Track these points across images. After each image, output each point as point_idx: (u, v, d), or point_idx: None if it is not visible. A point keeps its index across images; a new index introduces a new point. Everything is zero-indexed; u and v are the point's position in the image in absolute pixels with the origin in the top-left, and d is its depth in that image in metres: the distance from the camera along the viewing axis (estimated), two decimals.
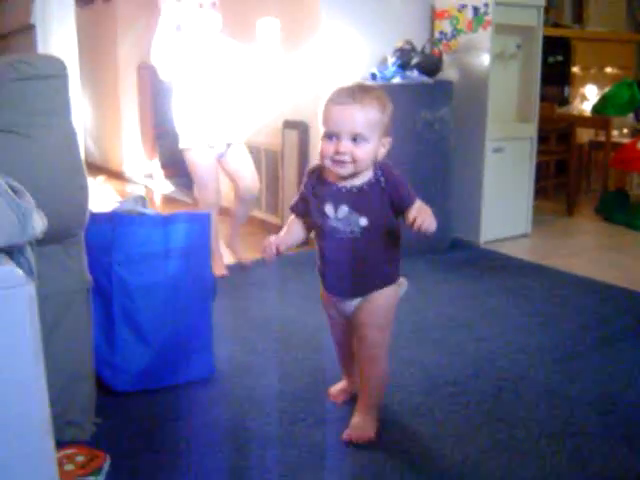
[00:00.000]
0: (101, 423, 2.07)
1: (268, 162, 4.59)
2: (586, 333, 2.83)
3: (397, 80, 3.86)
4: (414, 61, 3.91)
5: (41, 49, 3.28)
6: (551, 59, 6.12)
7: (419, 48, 4.02)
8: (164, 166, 6.62)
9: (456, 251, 4.13)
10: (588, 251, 4.23)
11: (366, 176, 1.90)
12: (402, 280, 2.02)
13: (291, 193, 4.09)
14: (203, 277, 2.33)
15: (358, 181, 1.90)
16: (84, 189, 1.86)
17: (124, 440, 2.02)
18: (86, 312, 1.98)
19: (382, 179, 1.90)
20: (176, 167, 6.51)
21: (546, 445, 1.99)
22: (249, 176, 3.61)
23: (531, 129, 4.41)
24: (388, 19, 4.18)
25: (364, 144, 1.83)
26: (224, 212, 3.78)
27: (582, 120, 5.60)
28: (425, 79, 3.88)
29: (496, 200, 4.28)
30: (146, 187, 6.40)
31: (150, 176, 6.61)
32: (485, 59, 4.07)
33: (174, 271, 2.23)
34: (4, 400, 1.10)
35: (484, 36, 4.04)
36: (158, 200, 5.95)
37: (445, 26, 4.27)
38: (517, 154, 4.37)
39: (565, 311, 3.10)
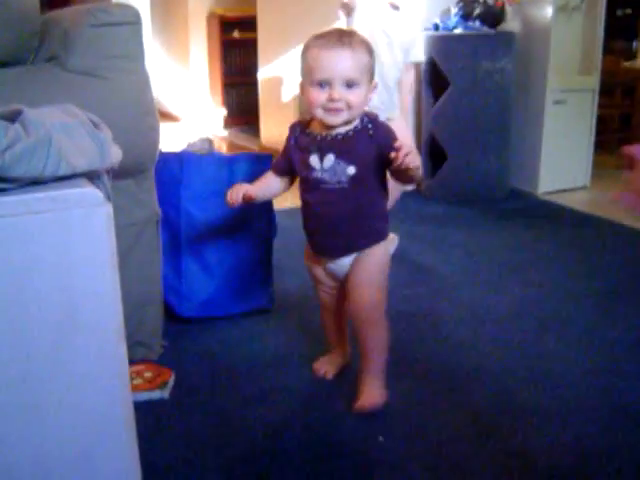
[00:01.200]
0: (167, 345, 2.26)
1: None
2: (634, 280, 2.91)
3: (459, 30, 3.94)
4: (477, 12, 3.96)
5: None
6: (620, 12, 6.07)
7: None
8: (231, 114, 6.80)
9: (513, 200, 4.21)
10: None
11: (352, 123, 1.81)
12: (392, 236, 1.93)
13: None
14: (265, 214, 2.47)
15: (343, 129, 1.81)
16: (155, 128, 2.02)
17: (187, 361, 2.21)
18: (156, 242, 2.15)
19: (370, 126, 1.82)
20: (242, 116, 6.71)
21: (581, 380, 2.10)
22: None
23: (593, 82, 4.40)
24: None
25: (357, 89, 1.74)
26: None
27: None
28: (487, 30, 3.94)
29: (555, 151, 4.32)
30: (213, 134, 6.58)
31: (217, 123, 6.78)
32: (548, 11, 4.09)
33: (237, 207, 2.38)
34: (85, 307, 1.26)
35: None
36: (224, 147, 6.12)
37: None
38: (578, 106, 4.38)
39: (616, 260, 3.17)
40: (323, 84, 1.73)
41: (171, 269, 2.37)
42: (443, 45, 4.00)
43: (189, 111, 7.26)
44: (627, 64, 5.79)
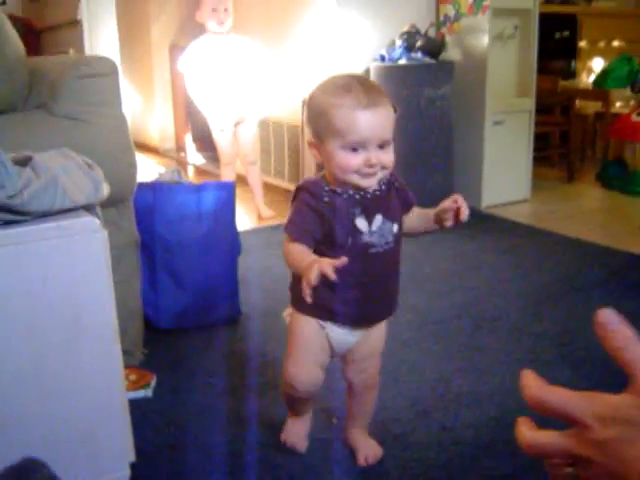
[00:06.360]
0: (147, 353, 2.56)
1: (290, 136, 5.06)
2: (561, 283, 3.27)
3: (403, 61, 4.29)
4: (419, 43, 4.32)
5: (87, 42, 3.75)
6: (557, 35, 6.47)
7: (424, 31, 4.43)
8: (195, 140, 7.10)
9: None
10: (581, 214, 4.63)
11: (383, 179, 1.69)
12: None
13: (310, 164, 4.55)
14: (229, 235, 2.80)
15: (377, 184, 1.67)
16: (133, 164, 2.33)
17: (165, 366, 2.50)
18: (135, 262, 2.45)
19: (392, 178, 1.70)
20: (206, 141, 7.01)
21: (508, 368, 2.44)
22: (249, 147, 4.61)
23: (529, 103, 4.80)
24: (396, 4, 4.60)
25: (389, 148, 1.60)
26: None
27: (582, 93, 5.95)
28: (428, 60, 4.30)
29: (496, 168, 4.70)
30: (178, 161, 6.88)
31: (182, 150, 7.09)
32: (484, 40, 4.47)
33: (205, 230, 2.70)
34: (87, 313, 1.57)
35: (483, 19, 4.45)
36: (190, 172, 6.43)
37: (449, 10, 4.67)
38: (516, 126, 4.77)
39: (547, 265, 3.53)
40: (357, 147, 1.57)
41: (149, 286, 2.68)
42: (389, 75, 4.36)
43: (157, 139, 7.55)
44: (565, 83, 6.19)
